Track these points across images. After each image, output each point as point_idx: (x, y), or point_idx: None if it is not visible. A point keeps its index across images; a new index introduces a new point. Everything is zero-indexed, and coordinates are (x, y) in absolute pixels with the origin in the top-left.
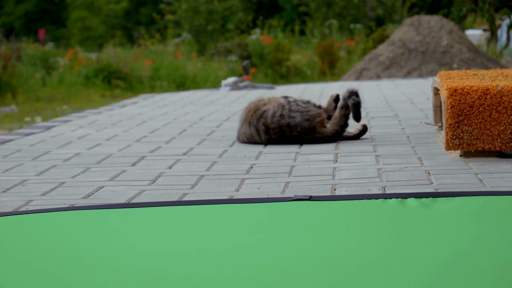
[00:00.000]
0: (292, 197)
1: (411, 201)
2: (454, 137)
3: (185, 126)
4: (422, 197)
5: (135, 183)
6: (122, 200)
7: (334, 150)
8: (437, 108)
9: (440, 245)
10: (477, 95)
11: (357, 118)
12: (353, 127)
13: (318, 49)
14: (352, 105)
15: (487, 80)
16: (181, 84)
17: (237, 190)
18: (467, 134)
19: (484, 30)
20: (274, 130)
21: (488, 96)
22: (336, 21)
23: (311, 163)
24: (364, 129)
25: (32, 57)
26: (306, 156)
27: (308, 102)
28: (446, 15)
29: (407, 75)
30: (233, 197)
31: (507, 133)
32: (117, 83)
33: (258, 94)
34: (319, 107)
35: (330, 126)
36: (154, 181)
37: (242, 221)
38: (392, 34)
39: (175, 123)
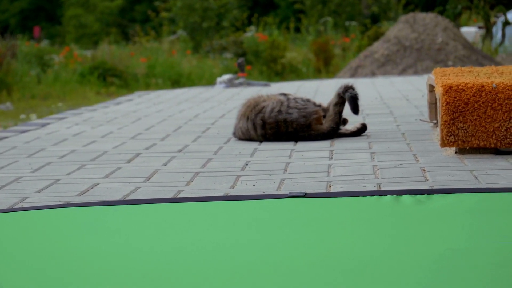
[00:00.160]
0: (287, 194)
1: (406, 198)
2: (449, 134)
3: (180, 123)
4: (417, 194)
5: (130, 180)
6: (117, 197)
7: (329, 147)
8: (432, 105)
9: (435, 242)
10: (472, 92)
11: (355, 111)
12: (351, 124)
13: (313, 46)
14: (349, 98)
15: (482, 77)
16: (176, 81)
17: (232, 187)
18: (462, 131)
19: (479, 28)
20: (271, 125)
21: (483, 93)
22: (331, 18)
23: (306, 160)
24: (363, 128)
25: (27, 55)
26: (301, 153)
27: (308, 100)
28: (441, 12)
29: (402, 72)
30: (228, 194)
31: (502, 130)
32: (112, 81)
33: (253, 92)
34: (319, 106)
35: (325, 123)
36: (149, 178)
37: (237, 218)
38: (387, 31)
39: (170, 120)
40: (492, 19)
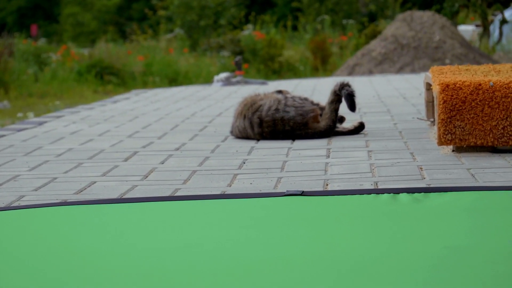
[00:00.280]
0: (284, 192)
1: (403, 196)
2: (446, 132)
3: (178, 122)
4: (414, 192)
5: (128, 178)
6: (114, 195)
7: (326, 146)
8: (430, 103)
9: (432, 240)
10: (470, 90)
11: (352, 108)
12: (349, 122)
13: (310, 44)
14: (346, 96)
15: (479, 75)
16: (174, 79)
17: (229, 185)
18: (460, 129)
19: (477, 26)
20: (268, 123)
21: (481, 91)
22: (329, 16)
23: (303, 159)
24: (361, 126)
25: (24, 53)
26: (298, 152)
27: (305, 99)
28: (438, 11)
29: (400, 70)
30: (225, 192)
31: (499, 128)
32: (109, 79)
33: (250, 90)
34: (317, 104)
35: (322, 121)
36: (147, 177)
37: (234, 216)
38: (385, 29)
39: (167, 118)
40: (490, 17)
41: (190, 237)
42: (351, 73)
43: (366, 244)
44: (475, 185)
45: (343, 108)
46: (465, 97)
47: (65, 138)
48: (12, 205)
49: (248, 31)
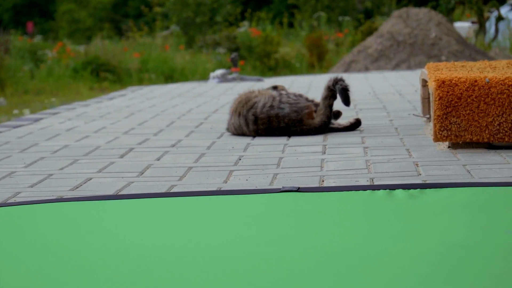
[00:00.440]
0: (280, 188)
1: (399, 192)
2: (442, 129)
3: (173, 118)
4: (410, 189)
5: (123, 175)
6: (110, 191)
7: (322, 142)
8: (425, 99)
9: (428, 236)
10: (465, 86)
11: (347, 102)
12: (345, 119)
13: (306, 41)
14: (340, 90)
15: (475, 71)
16: (170, 76)
17: (225, 181)
18: (455, 126)
19: (473, 23)
20: (263, 120)
21: (476, 88)
22: (325, 13)
23: (299, 155)
24: (357, 122)
25: (20, 50)
26: (294, 148)
27: (300, 95)
28: (434, 8)
29: (396, 67)
30: (221, 189)
31: (495, 124)
32: (105, 76)
33: (246, 87)
34: (312, 101)
35: (316, 117)
36: (142, 173)
37: (230, 212)
38: (381, 26)
39: (163, 115)
40: (486, 14)
41: (186, 233)
42: (347, 70)
43: (362, 240)
44: (471, 181)
45: (339, 104)
46: (461, 93)
47: (61, 134)
48: (8, 202)
49: (244, 28)
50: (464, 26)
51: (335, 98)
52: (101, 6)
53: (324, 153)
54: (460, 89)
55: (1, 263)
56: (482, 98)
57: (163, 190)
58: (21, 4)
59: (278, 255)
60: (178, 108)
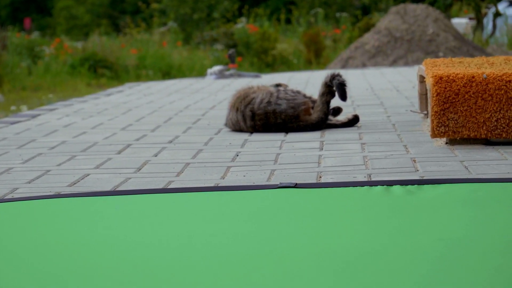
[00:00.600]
0: (277, 184)
1: (396, 188)
2: (439, 125)
3: (171, 115)
4: (407, 185)
5: (121, 171)
6: (108, 187)
7: (319, 138)
8: (423, 95)
9: (426, 232)
10: (463, 82)
11: (344, 97)
12: (344, 115)
13: (304, 38)
14: (337, 85)
15: (472, 67)
16: (167, 73)
17: (223, 177)
18: (453, 122)
19: (470, 19)
20: (260, 116)
21: (474, 84)
22: (322, 9)
23: (296, 151)
24: (355, 119)
25: (18, 46)
26: (292, 144)
27: (298, 92)
28: (432, 4)
29: (393, 63)
30: (219, 185)
31: (493, 120)
32: (102, 72)
33: (243, 83)
34: (310, 98)
35: (313, 114)
36: (140, 169)
37: (228, 208)
38: (378, 22)
39: (160, 111)
40: (483, 10)
41: (183, 229)
42: (344, 66)
43: (360, 236)
44: (468, 177)
45: (337, 100)
46: (459, 89)
47: (58, 131)
48: (5, 198)
49: (241, 24)
50: (461, 22)
51: (333, 95)
52: (99, 3)
53: (321, 149)
54: (457, 85)
55: None
56: (480, 94)
57: (160, 186)
58: (18, 0)
59: (276, 251)
60: (175, 104)
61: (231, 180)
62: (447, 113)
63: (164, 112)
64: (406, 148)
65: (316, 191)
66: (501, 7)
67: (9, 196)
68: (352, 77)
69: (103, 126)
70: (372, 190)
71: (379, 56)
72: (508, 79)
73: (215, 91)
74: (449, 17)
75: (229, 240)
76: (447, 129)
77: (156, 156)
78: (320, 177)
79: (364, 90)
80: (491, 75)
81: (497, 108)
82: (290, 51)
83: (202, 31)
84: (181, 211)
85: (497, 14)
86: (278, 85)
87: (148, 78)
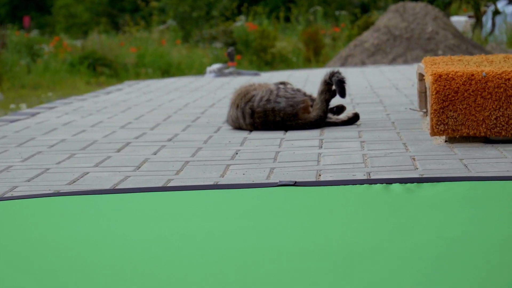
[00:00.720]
0: (277, 182)
1: (396, 186)
2: (439, 123)
3: (170, 113)
4: (407, 183)
5: (120, 169)
6: (107, 186)
7: (319, 136)
8: (422, 94)
9: (425, 230)
10: (462, 80)
11: (342, 94)
12: (344, 113)
13: (303, 36)
14: (336, 82)
15: (472, 65)
16: (166, 71)
17: (222, 176)
18: (452, 120)
19: (469, 17)
20: (259, 114)
21: (473, 82)
22: (321, 8)
23: (296, 149)
24: (355, 117)
25: (17, 44)
26: (291, 142)
27: (298, 90)
28: (431, 2)
29: (392, 61)
30: (218, 183)
31: (492, 118)
32: (102, 70)
33: (243, 81)
34: (309, 96)
35: (312, 112)
36: (139, 167)
37: (227, 206)
38: (377, 20)
39: (160, 109)
40: (482, 9)
41: (183, 228)
42: (343, 64)
43: (359, 235)
44: (467, 175)
45: (337, 98)
46: (458, 87)
47: (57, 129)
48: (4, 196)
49: (240, 22)
50: (460, 20)
51: (331, 93)
52: (98, 1)
53: (321, 147)
54: (457, 83)
55: None
56: (479, 92)
57: (159, 184)
58: None
59: (275, 249)
60: (174, 102)
61: (230, 178)
62: (446, 111)
63: (163, 110)
64: (406, 146)
65: (316, 189)
66: (500, 5)
67: (9, 194)
68: (351, 75)
69: (102, 124)
70: (371, 188)
71: (378, 54)
72: (507, 77)
73: (214, 89)
74: (448, 15)
75: (228, 238)
76: (446, 127)
77: (155, 154)
78: (320, 175)
79: (363, 88)
80: (490, 73)
81: (496, 106)
82: (289, 49)
83: (201, 29)
84: (180, 209)
85: (496, 12)
86: (282, 83)
87: (148, 76)
